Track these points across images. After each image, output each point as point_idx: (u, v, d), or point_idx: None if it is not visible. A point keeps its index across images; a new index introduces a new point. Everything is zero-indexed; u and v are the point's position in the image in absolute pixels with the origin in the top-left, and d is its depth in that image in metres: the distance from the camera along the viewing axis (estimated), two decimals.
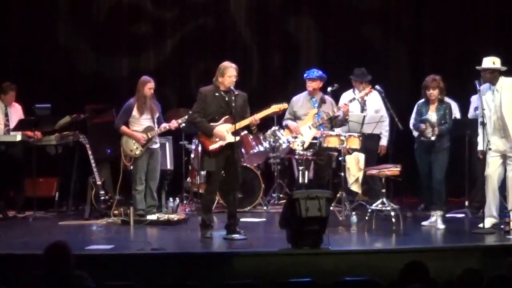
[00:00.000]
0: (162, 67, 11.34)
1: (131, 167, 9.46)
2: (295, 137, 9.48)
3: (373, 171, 9.00)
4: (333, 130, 9.43)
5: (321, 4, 11.59)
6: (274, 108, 8.62)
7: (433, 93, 8.86)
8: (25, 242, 8.09)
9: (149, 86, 9.35)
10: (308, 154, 9.23)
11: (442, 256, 7.28)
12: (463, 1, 11.38)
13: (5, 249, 7.58)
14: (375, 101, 10.03)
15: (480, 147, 8.57)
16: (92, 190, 9.79)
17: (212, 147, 8.17)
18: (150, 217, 9.24)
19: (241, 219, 8.58)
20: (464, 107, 9.83)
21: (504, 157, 8.48)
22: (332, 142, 9.07)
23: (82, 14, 11.31)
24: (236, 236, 8.12)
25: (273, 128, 10.05)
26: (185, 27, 11.46)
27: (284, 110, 9.01)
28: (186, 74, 11.42)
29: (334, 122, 9.52)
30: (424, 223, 8.84)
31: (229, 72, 8.13)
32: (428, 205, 9.19)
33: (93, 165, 9.81)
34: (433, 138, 8.81)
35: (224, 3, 11.44)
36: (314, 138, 9.36)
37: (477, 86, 8.61)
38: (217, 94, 8.18)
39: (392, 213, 8.57)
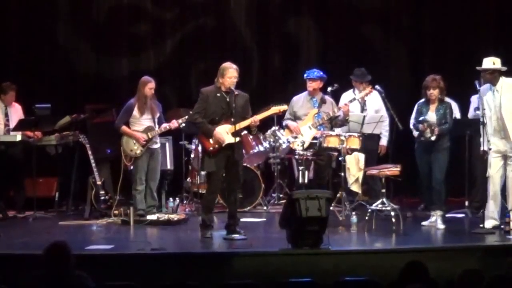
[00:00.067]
0: (162, 67, 11.33)
1: (131, 167, 9.47)
2: (295, 137, 9.49)
3: (373, 171, 9.00)
4: (333, 130, 9.43)
5: (321, 4, 11.59)
6: (274, 109, 8.62)
7: (433, 93, 8.86)
8: (25, 242, 8.09)
9: (149, 86, 9.35)
10: (308, 154, 9.23)
11: (442, 256, 7.28)
12: (463, 1, 11.38)
13: (5, 249, 7.58)
14: (375, 101, 10.03)
15: (482, 147, 8.55)
16: (92, 190, 9.79)
17: (212, 147, 8.17)
18: (150, 217, 9.24)
19: (241, 219, 8.58)
20: (464, 107, 9.83)
21: (505, 157, 8.48)
22: (332, 142, 9.07)
23: (82, 14, 11.31)
24: (236, 236, 8.12)
25: (273, 128, 10.05)
26: (185, 27, 11.46)
27: (284, 111, 9.02)
28: (186, 74, 11.42)
29: (334, 122, 9.52)
30: (424, 223, 8.84)
31: (229, 73, 8.13)
32: (428, 205, 9.19)
33: (93, 165, 9.81)
34: (432, 138, 8.80)
35: (224, 3, 11.44)
36: (314, 138, 9.36)
37: (477, 86, 8.61)
38: (218, 94, 8.18)
39: (392, 213, 8.57)
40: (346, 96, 10.08)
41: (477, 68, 8.54)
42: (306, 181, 9.11)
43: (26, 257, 6.99)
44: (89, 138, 10.00)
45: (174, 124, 9.45)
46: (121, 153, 9.48)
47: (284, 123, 9.78)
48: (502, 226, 8.40)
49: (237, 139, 8.14)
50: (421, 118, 8.86)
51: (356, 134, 9.21)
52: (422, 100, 9.01)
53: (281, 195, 10.43)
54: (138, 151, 9.37)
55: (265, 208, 10.22)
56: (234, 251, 7.60)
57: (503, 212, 8.54)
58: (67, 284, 5.08)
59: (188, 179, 10.39)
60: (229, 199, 8.40)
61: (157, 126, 9.45)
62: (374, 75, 10.15)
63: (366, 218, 8.64)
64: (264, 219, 9.63)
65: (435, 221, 8.69)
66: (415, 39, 11.59)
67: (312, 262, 7.15)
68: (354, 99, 9.75)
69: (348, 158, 9.22)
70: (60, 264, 5.08)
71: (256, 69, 11.47)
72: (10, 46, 11.22)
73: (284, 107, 8.77)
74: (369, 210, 8.71)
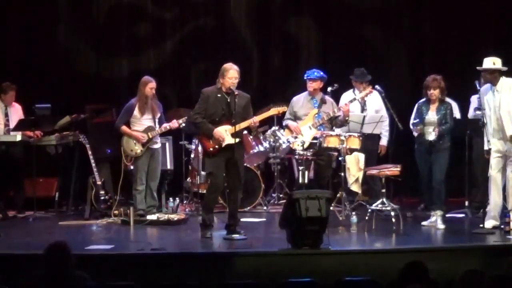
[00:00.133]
0: (162, 67, 11.33)
1: (131, 167, 9.47)
2: (295, 137, 9.49)
3: (373, 171, 9.00)
4: (333, 130, 9.43)
5: (321, 4, 11.58)
6: (274, 110, 8.64)
7: (434, 93, 8.86)
8: (25, 242, 8.09)
9: (150, 86, 9.36)
10: (308, 154, 9.23)
11: (442, 256, 7.28)
12: (463, 1, 11.37)
13: (5, 249, 7.58)
14: (375, 101, 10.03)
15: (485, 147, 8.54)
16: (92, 190, 9.79)
17: (212, 148, 8.18)
18: (150, 217, 9.24)
19: (241, 219, 8.59)
20: (464, 107, 9.82)
21: (505, 157, 8.48)
22: (332, 142, 9.07)
23: (82, 14, 11.30)
24: (236, 236, 8.12)
25: (273, 128, 10.05)
26: (185, 27, 11.46)
27: (283, 113, 9.02)
28: (186, 74, 11.42)
29: (334, 122, 9.51)
30: (424, 223, 8.84)
31: (229, 74, 8.13)
32: (428, 205, 9.19)
33: (93, 165, 9.81)
34: (431, 138, 8.80)
35: (224, 3, 11.43)
36: (314, 138, 9.36)
37: (477, 86, 8.62)
38: (219, 95, 8.18)
39: (392, 213, 8.57)
40: (346, 96, 10.08)
41: (478, 68, 8.54)
42: (306, 181, 9.11)
43: (26, 257, 7.00)
44: (89, 138, 10.00)
45: (174, 124, 9.45)
46: (121, 153, 9.48)
47: (284, 123, 9.78)
48: (502, 226, 8.40)
49: (237, 140, 8.13)
50: (416, 121, 8.85)
51: (356, 134, 9.20)
52: (423, 99, 9.01)
53: (281, 195, 10.43)
54: (139, 151, 9.38)
55: (265, 208, 10.22)
56: (234, 251, 7.60)
57: (503, 212, 8.54)
58: (67, 284, 5.08)
59: (188, 179, 10.39)
60: (230, 199, 8.40)
61: (157, 126, 9.45)
62: (374, 75, 10.15)
63: (366, 218, 8.64)
64: (264, 219, 9.63)
65: (435, 221, 8.69)
66: (415, 39, 11.59)
67: (312, 262, 7.15)
68: (354, 99, 9.75)
69: (348, 158, 9.22)
70: (60, 264, 5.08)
71: (256, 69, 11.47)
72: (10, 46, 11.22)
73: (283, 108, 8.78)
74: (369, 210, 8.71)
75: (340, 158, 9.19)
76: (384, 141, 10.20)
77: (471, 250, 7.51)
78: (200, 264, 7.16)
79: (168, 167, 10.28)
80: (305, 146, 9.36)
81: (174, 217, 9.37)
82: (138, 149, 9.37)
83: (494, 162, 8.46)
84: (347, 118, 9.49)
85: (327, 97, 9.64)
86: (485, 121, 8.43)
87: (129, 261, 7.25)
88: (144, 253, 7.36)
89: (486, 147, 8.46)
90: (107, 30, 11.36)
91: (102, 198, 9.75)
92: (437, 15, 11.46)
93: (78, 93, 11.24)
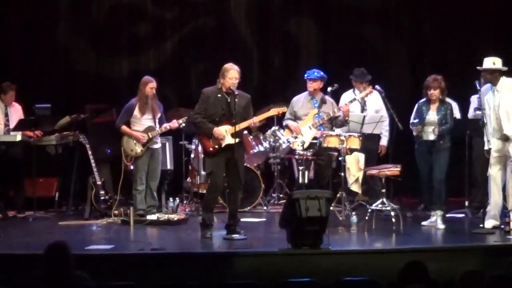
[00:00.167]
0: (162, 67, 11.33)
1: (131, 167, 9.47)
2: (295, 137, 9.49)
3: (373, 171, 9.00)
4: (333, 130, 9.43)
5: (321, 4, 11.58)
6: (273, 111, 8.64)
7: (434, 93, 8.86)
8: (25, 242, 8.09)
9: (150, 86, 9.36)
10: (308, 154, 9.23)
11: (442, 256, 7.28)
12: (463, 1, 11.37)
13: (5, 249, 7.58)
14: (375, 101, 10.03)
15: (486, 147, 8.54)
16: (92, 190, 9.79)
17: (212, 148, 8.18)
18: (150, 217, 9.24)
19: (241, 219, 8.59)
20: (464, 107, 9.82)
21: (505, 157, 8.48)
22: (332, 142, 9.07)
23: (82, 14, 11.30)
24: (236, 236, 8.12)
25: (273, 128, 10.05)
26: (185, 27, 11.46)
27: (283, 113, 9.02)
28: (186, 74, 11.42)
29: (334, 122, 9.52)
30: (424, 223, 8.84)
31: (230, 74, 8.13)
32: (428, 205, 9.19)
33: (93, 165, 9.81)
34: (431, 138, 8.81)
35: (224, 3, 11.43)
36: (314, 138, 9.36)
37: (477, 86, 8.62)
38: (219, 95, 8.18)
39: (392, 213, 8.57)
40: (346, 96, 10.09)
41: (478, 68, 8.54)
42: (306, 181, 9.12)
43: (26, 257, 7.00)
44: (89, 138, 10.00)
45: (174, 124, 9.46)
46: (121, 153, 9.49)
47: (284, 123, 9.79)
48: (502, 226, 8.40)
49: (237, 140, 8.13)
50: (415, 121, 8.85)
51: (356, 134, 9.21)
52: (423, 99, 9.02)
53: (281, 195, 10.42)
54: (139, 151, 9.38)
55: (265, 208, 10.21)
56: (234, 251, 7.60)
57: (503, 212, 8.54)
58: (67, 284, 5.08)
59: (188, 179, 10.39)
60: (230, 199, 8.40)
61: (158, 126, 9.45)
62: (374, 75, 10.15)
63: (366, 218, 8.64)
64: (264, 219, 9.63)
65: (435, 221, 8.69)
66: (415, 39, 11.59)
67: (312, 262, 7.15)
68: (355, 99, 9.75)
69: (348, 158, 9.22)
70: (60, 264, 5.08)
71: (256, 69, 11.47)
72: (10, 46, 11.21)
73: (283, 109, 8.79)
74: (369, 210, 8.71)
75: (340, 158, 9.19)
76: (384, 141, 10.19)
77: (471, 250, 7.51)
78: (200, 264, 7.16)
79: (168, 167, 10.28)
80: (305, 146, 9.37)
81: (174, 217, 9.37)
82: (138, 149, 9.37)
83: (494, 161, 8.47)
84: (347, 118, 9.49)
85: (327, 97, 9.64)
86: (485, 121, 8.43)
87: (129, 261, 7.25)
88: (144, 253, 7.36)
89: (486, 147, 8.46)
90: (107, 30, 11.36)
91: (102, 198, 9.75)
92: (437, 15, 11.46)
93: (78, 93, 11.24)
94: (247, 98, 8.31)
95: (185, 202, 10.29)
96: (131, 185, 9.48)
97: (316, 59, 11.28)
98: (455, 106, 9.51)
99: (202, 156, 9.08)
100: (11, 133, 9.97)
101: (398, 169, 8.81)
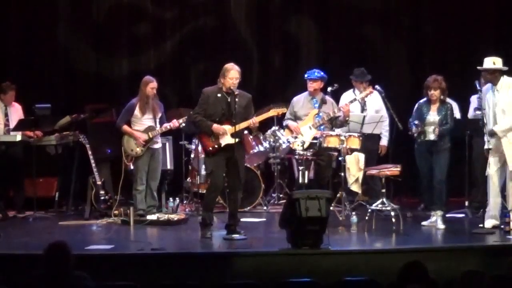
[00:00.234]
0: (162, 67, 11.33)
1: (131, 167, 9.47)
2: (295, 137, 9.49)
3: (373, 171, 9.00)
4: (334, 130, 9.43)
5: (321, 4, 11.58)
6: (273, 112, 8.64)
7: (435, 93, 8.86)
8: (25, 242, 8.09)
9: (151, 86, 9.36)
10: (308, 154, 9.23)
11: (442, 256, 7.28)
12: (463, 1, 11.37)
13: (5, 249, 7.58)
14: (375, 101, 10.03)
15: (486, 146, 8.54)
16: (92, 190, 9.79)
17: (212, 147, 8.18)
18: (150, 217, 9.24)
19: (241, 219, 8.59)
20: (464, 107, 9.83)
21: (504, 157, 8.47)
22: (332, 142, 9.07)
23: (82, 14, 11.30)
24: (236, 236, 8.12)
25: (273, 128, 10.05)
26: (185, 27, 11.46)
27: (283, 114, 9.02)
28: (186, 74, 11.42)
29: (334, 122, 9.52)
30: (424, 223, 8.84)
31: (230, 74, 8.13)
32: (428, 205, 9.19)
33: (93, 165, 9.81)
34: (431, 138, 8.81)
35: (224, 3, 11.43)
36: (314, 138, 9.37)
37: (477, 86, 8.61)
38: (219, 95, 8.18)
39: (392, 213, 8.57)
40: (346, 96, 10.09)
41: (478, 68, 8.54)
42: (306, 181, 9.11)
43: (26, 257, 7.00)
44: (89, 138, 10.00)
45: (174, 123, 9.46)
46: (121, 153, 9.49)
47: (284, 123, 9.79)
48: (502, 226, 8.40)
49: (237, 140, 8.13)
50: (416, 122, 8.84)
51: (356, 134, 9.21)
52: (424, 99, 9.01)
53: (281, 195, 10.43)
54: (139, 151, 9.38)
55: (265, 208, 10.22)
56: (234, 251, 7.60)
57: (503, 212, 8.54)
58: (67, 284, 5.08)
59: (188, 179, 10.39)
60: (230, 199, 8.40)
61: (158, 126, 9.45)
62: (374, 75, 10.15)
63: (366, 218, 8.64)
64: (264, 219, 9.63)
65: (435, 221, 8.69)
66: (415, 39, 11.59)
67: (312, 262, 7.15)
68: (355, 99, 9.76)
69: (348, 158, 9.22)
70: (60, 264, 5.08)
71: (256, 69, 11.47)
72: (10, 46, 11.22)
73: (283, 109, 8.78)
74: (369, 210, 8.71)
75: (340, 158, 9.20)
76: (384, 141, 10.19)
77: (471, 250, 7.51)
78: (200, 264, 7.16)
79: (168, 167, 10.28)
80: (305, 146, 9.37)
81: (174, 217, 9.37)
82: (138, 149, 9.37)
83: (492, 161, 8.46)
84: (347, 119, 9.49)
85: (328, 97, 9.64)
86: (485, 121, 8.43)
87: (129, 261, 7.25)
88: (144, 253, 7.36)
89: (486, 146, 8.46)
90: (107, 30, 11.35)
91: (102, 198, 9.75)
92: (437, 15, 11.45)
93: (78, 93, 11.24)
94: (247, 98, 8.31)
95: (185, 202, 10.29)
96: (131, 185, 9.48)
97: (316, 59, 11.28)
98: (455, 106, 9.52)
99: (203, 156, 9.08)
100: (11, 133, 9.96)
101: (398, 169, 8.81)
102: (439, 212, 8.73)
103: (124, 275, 6.70)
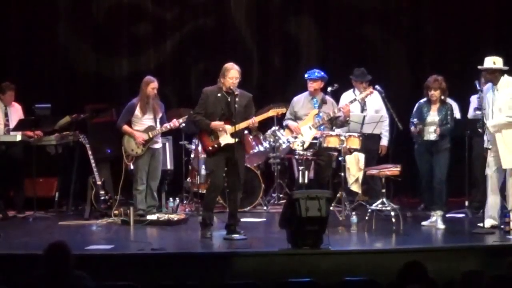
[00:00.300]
0: (162, 67, 11.33)
1: (132, 167, 9.47)
2: (295, 137, 9.50)
3: (373, 171, 9.00)
4: (333, 130, 9.43)
5: (321, 4, 11.58)
6: (272, 112, 8.64)
7: (435, 94, 8.86)
8: (25, 242, 8.09)
9: (152, 86, 9.36)
10: (308, 154, 9.23)
11: (442, 256, 7.28)
12: (463, 1, 11.37)
13: (5, 249, 7.59)
14: (375, 101, 10.03)
15: (485, 145, 8.53)
16: (92, 190, 9.79)
17: (211, 147, 8.19)
18: (150, 217, 9.24)
19: (241, 219, 8.59)
20: (464, 107, 9.83)
21: None
22: (332, 142, 9.07)
23: (82, 14, 11.30)
24: (236, 236, 8.12)
25: (273, 128, 10.05)
26: (185, 27, 11.45)
27: (282, 114, 9.02)
28: (186, 74, 11.42)
29: (334, 122, 9.52)
30: (424, 223, 8.84)
31: (230, 74, 8.13)
32: (428, 205, 9.19)
33: (93, 165, 9.81)
34: (431, 138, 8.81)
35: (224, 3, 11.43)
36: (314, 138, 9.37)
37: (477, 86, 8.61)
38: (219, 95, 8.19)
39: (392, 213, 8.57)
40: (346, 96, 10.09)
41: (479, 67, 8.54)
42: (306, 181, 9.12)
43: (26, 257, 7.00)
44: (89, 138, 10.00)
45: (175, 123, 9.46)
46: (121, 153, 9.49)
47: (284, 123, 9.79)
48: (502, 226, 8.40)
49: (237, 139, 8.13)
50: (414, 120, 8.85)
51: (356, 134, 9.21)
52: (424, 99, 9.01)
53: (281, 195, 10.42)
54: (139, 151, 9.38)
55: (265, 208, 10.21)
56: (234, 251, 7.60)
57: (503, 211, 8.54)
58: (67, 284, 5.08)
59: (188, 179, 10.39)
60: (230, 199, 8.40)
61: (159, 126, 9.45)
62: (374, 75, 10.15)
63: (366, 218, 8.64)
64: (264, 219, 9.63)
65: (435, 221, 8.69)
66: (415, 39, 11.58)
67: (312, 262, 7.15)
68: (355, 99, 9.76)
69: (348, 158, 9.22)
70: (60, 264, 5.08)
71: (256, 69, 11.47)
72: (10, 46, 11.21)
73: (282, 109, 8.78)
74: (369, 210, 8.71)
75: (340, 158, 9.20)
76: (384, 141, 10.19)
77: (471, 250, 7.51)
78: (200, 264, 7.16)
79: (168, 167, 10.28)
80: (305, 146, 9.37)
81: (174, 217, 9.38)
82: (139, 148, 9.37)
83: (491, 161, 8.46)
84: (348, 119, 9.49)
85: (328, 97, 9.64)
86: (485, 121, 8.42)
87: (129, 261, 7.25)
88: (144, 253, 7.36)
89: (486, 145, 8.45)
90: (107, 30, 11.35)
91: (102, 198, 9.75)
92: (437, 15, 11.46)
93: (78, 93, 11.24)
94: (248, 98, 8.31)
95: (185, 202, 10.29)
96: (131, 185, 9.48)
97: (316, 59, 11.28)
98: (455, 107, 9.52)
99: (203, 156, 9.08)
100: (11, 133, 9.97)
101: (398, 169, 8.81)
102: (439, 212, 8.73)
103: (124, 275, 6.70)
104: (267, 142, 10.21)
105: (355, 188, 9.42)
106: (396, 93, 10.42)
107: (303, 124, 9.58)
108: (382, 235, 8.31)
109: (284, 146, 10.01)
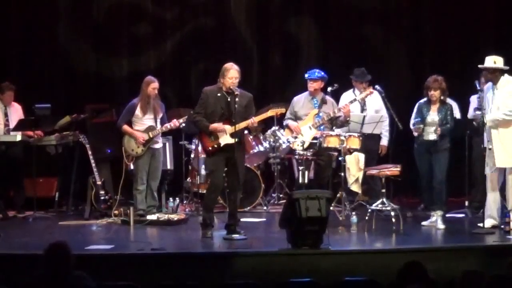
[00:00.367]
0: (162, 67, 11.33)
1: (132, 167, 9.47)
2: (295, 137, 9.49)
3: (373, 171, 9.00)
4: (333, 130, 9.43)
5: (321, 4, 11.58)
6: (272, 112, 8.65)
7: (435, 94, 8.86)
8: (25, 242, 8.09)
9: (152, 86, 9.36)
10: (308, 154, 9.23)
11: (442, 256, 7.29)
12: (463, 1, 11.37)
13: (5, 249, 7.58)
14: (375, 101, 10.03)
15: (485, 144, 8.53)
16: (92, 190, 9.79)
17: (211, 147, 8.19)
18: (150, 217, 9.24)
19: (241, 219, 8.59)
20: (464, 107, 9.83)
21: None
22: (332, 142, 9.07)
23: (82, 14, 11.30)
24: (236, 236, 8.12)
25: (273, 128, 10.05)
26: (185, 27, 11.46)
27: (282, 115, 9.02)
28: (186, 74, 11.42)
29: (335, 122, 9.52)
30: (424, 223, 8.84)
31: (229, 74, 8.13)
32: (428, 205, 9.18)
33: (93, 165, 9.81)
34: (431, 138, 8.82)
35: (224, 3, 11.43)
36: (314, 138, 9.37)
37: (477, 86, 8.61)
38: (219, 94, 8.19)
39: (392, 213, 8.57)
40: (346, 96, 10.09)
41: (479, 66, 8.54)
42: (306, 181, 9.12)
43: (26, 257, 7.00)
44: (89, 138, 10.00)
45: (175, 123, 9.46)
46: (121, 153, 9.49)
47: (284, 123, 9.79)
48: (502, 226, 8.40)
49: (236, 139, 8.12)
50: (417, 119, 8.84)
51: (356, 134, 9.21)
52: (424, 99, 9.01)
53: (281, 195, 10.42)
54: (140, 151, 9.38)
55: (265, 208, 10.21)
56: (234, 251, 7.60)
57: (503, 212, 8.54)
58: (67, 284, 5.08)
59: (188, 179, 10.39)
60: (229, 199, 8.40)
61: (159, 126, 9.46)
62: (374, 75, 10.15)
63: (366, 218, 8.64)
64: (264, 219, 9.63)
65: (435, 221, 8.69)
66: (415, 39, 11.58)
67: (312, 262, 7.15)
68: (355, 99, 9.76)
69: (348, 158, 9.22)
70: (60, 264, 5.09)
71: (256, 69, 11.47)
72: (10, 46, 11.22)
73: (281, 110, 8.79)
74: (369, 210, 8.72)
75: (340, 158, 9.20)
76: (385, 141, 10.19)
77: (471, 250, 7.51)
78: (200, 264, 7.16)
79: (168, 167, 10.28)
80: (305, 146, 9.37)
81: (174, 217, 9.38)
82: (139, 148, 9.37)
83: (491, 160, 8.46)
84: (348, 119, 9.49)
85: (328, 97, 9.64)
86: (485, 121, 8.42)
87: (129, 261, 7.25)
88: (144, 253, 7.36)
89: (485, 145, 8.45)
90: (107, 30, 11.35)
91: (102, 198, 9.75)
92: (437, 15, 11.46)
93: (78, 93, 11.25)
94: (248, 98, 8.31)
95: (185, 202, 10.29)
96: (131, 185, 9.48)
97: (316, 59, 11.28)
98: (455, 107, 9.52)
99: (203, 156, 9.08)
100: (11, 133, 9.97)
101: (398, 169, 8.81)
102: (439, 212, 8.73)
103: (124, 275, 6.70)
104: (267, 142, 10.21)
105: (355, 188, 9.43)
106: (396, 93, 10.43)
107: (303, 124, 9.58)
108: (382, 235, 8.31)
109: (284, 146, 10.01)
